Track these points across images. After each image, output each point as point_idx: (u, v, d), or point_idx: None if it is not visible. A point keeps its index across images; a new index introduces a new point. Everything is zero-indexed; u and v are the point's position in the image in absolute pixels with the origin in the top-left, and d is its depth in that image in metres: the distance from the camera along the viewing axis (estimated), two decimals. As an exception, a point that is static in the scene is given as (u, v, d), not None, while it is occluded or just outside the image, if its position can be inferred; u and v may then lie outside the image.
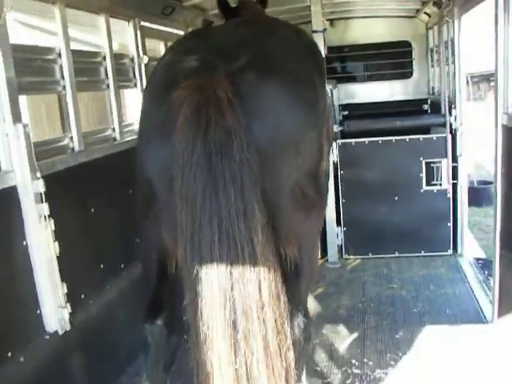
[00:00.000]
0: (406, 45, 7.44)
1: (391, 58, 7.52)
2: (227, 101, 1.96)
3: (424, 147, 5.60)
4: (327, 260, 5.81)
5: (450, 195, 5.60)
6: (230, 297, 1.94)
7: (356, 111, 7.14)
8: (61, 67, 3.40)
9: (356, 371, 3.67)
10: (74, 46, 3.57)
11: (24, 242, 2.87)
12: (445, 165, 5.55)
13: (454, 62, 5.53)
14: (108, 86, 4.03)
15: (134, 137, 4.22)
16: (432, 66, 7.19)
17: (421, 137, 5.64)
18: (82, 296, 3.35)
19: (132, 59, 4.43)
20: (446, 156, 5.53)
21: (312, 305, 3.09)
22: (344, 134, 5.92)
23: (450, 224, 5.65)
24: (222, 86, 1.98)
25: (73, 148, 3.51)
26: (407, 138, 5.63)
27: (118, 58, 4.18)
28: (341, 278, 5.40)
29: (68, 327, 3.05)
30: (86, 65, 3.79)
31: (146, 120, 2.35)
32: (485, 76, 21.71)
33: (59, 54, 3.40)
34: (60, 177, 3.20)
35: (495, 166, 3.90)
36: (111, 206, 3.67)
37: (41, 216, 2.89)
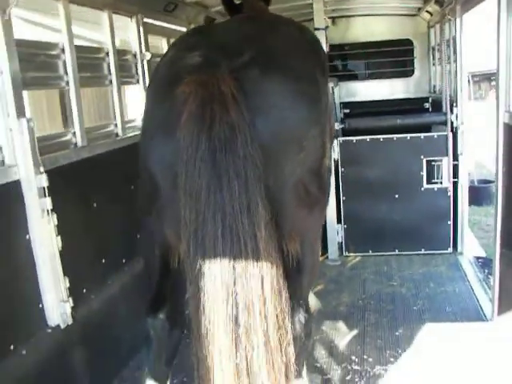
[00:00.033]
0: (407, 43, 7.43)
1: (393, 57, 7.51)
2: (231, 97, 1.97)
3: (425, 145, 5.61)
4: (327, 257, 5.83)
5: (450, 193, 5.61)
6: (233, 291, 1.95)
7: (357, 109, 7.14)
8: (64, 62, 3.41)
9: (356, 367, 3.69)
10: (76, 41, 3.58)
11: (27, 236, 2.88)
12: (445, 163, 5.55)
13: (455, 61, 5.53)
14: (111, 81, 4.03)
15: (136, 133, 4.23)
16: (433, 64, 7.19)
17: (422, 135, 5.65)
18: (84, 290, 3.37)
19: (135, 55, 4.44)
20: (447, 154, 5.54)
21: (312, 301, 3.10)
22: (345, 132, 5.93)
23: (451, 222, 5.66)
24: (226, 82, 1.99)
25: (75, 143, 3.53)
26: (408, 136, 5.64)
27: (120, 54, 4.19)
28: (341, 276, 5.42)
29: (70, 321, 3.07)
30: (89, 60, 3.80)
31: (150, 116, 2.35)
32: (486, 75, 21.69)
33: (63, 50, 3.41)
34: (63, 172, 3.21)
35: (496, 165, 3.90)
36: (113, 201, 3.69)
37: (44, 210, 2.90)
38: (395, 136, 5.66)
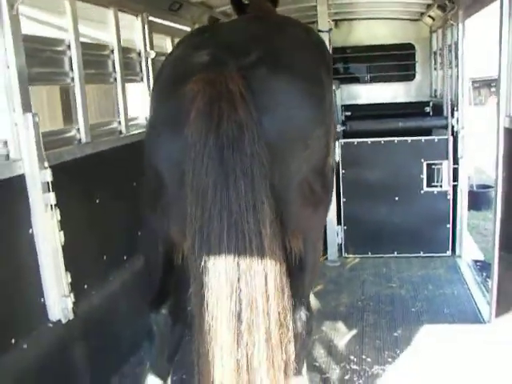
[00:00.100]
0: (409, 47, 7.48)
1: (394, 60, 7.56)
2: (239, 95, 1.98)
3: (425, 149, 5.64)
4: (327, 258, 5.85)
5: (450, 197, 5.65)
6: (237, 288, 1.96)
7: (358, 112, 7.18)
8: (70, 59, 3.43)
9: (354, 367, 3.71)
10: (82, 39, 3.60)
11: (30, 231, 2.89)
12: (445, 167, 5.59)
13: (457, 66, 5.57)
14: (115, 79, 4.05)
15: (140, 130, 4.25)
16: (435, 68, 7.23)
17: (422, 138, 5.68)
18: (85, 286, 3.37)
19: (139, 53, 4.46)
20: (447, 158, 5.57)
21: (312, 301, 3.12)
22: (346, 134, 5.96)
23: (450, 225, 5.69)
24: (234, 80, 2.01)
25: (80, 139, 3.54)
26: (409, 139, 5.67)
27: (125, 51, 4.20)
28: (340, 277, 5.44)
29: (71, 316, 3.07)
30: (94, 57, 3.82)
31: (157, 113, 2.36)
32: (486, 81, 21.76)
33: (69, 46, 3.42)
34: (67, 167, 3.23)
35: (496, 169, 3.93)
36: (116, 198, 3.70)
37: (47, 205, 2.91)
38: (396, 139, 5.69)
